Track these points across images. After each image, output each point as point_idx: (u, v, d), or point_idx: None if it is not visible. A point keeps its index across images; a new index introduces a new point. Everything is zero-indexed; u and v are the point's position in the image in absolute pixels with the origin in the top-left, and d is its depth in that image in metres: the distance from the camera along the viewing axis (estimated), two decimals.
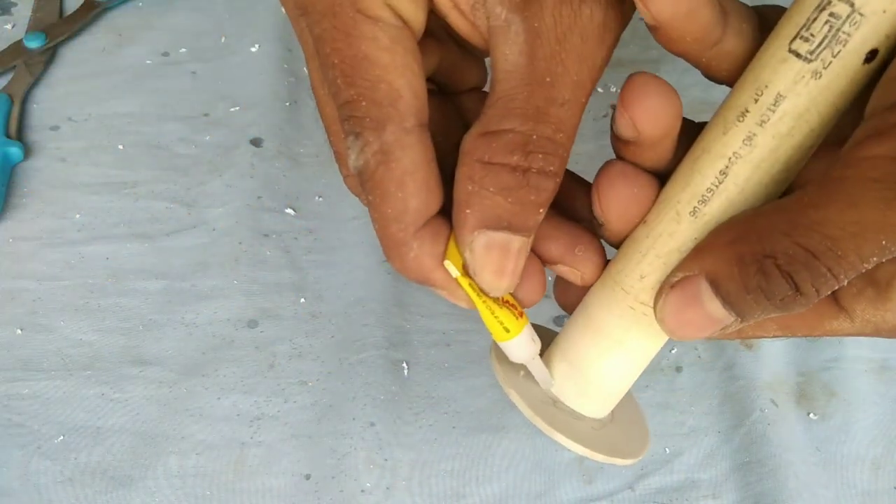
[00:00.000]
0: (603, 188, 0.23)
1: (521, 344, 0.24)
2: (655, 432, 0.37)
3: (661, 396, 0.38)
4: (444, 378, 0.37)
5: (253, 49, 0.47)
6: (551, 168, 0.21)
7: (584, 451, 0.25)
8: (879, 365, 0.39)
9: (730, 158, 0.21)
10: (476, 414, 0.37)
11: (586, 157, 0.44)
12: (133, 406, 0.36)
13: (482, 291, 0.23)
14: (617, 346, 0.24)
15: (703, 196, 0.22)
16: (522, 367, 0.25)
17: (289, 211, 0.42)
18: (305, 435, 0.35)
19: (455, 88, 0.27)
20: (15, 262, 0.39)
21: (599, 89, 0.47)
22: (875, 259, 0.19)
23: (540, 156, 0.21)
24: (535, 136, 0.21)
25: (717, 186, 0.22)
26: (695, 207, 0.22)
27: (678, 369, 0.39)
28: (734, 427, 0.37)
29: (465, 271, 0.22)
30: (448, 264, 0.22)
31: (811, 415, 0.38)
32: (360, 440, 0.35)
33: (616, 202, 0.23)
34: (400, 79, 0.21)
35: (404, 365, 0.38)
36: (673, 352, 0.39)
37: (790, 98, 0.20)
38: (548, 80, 0.21)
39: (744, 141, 0.21)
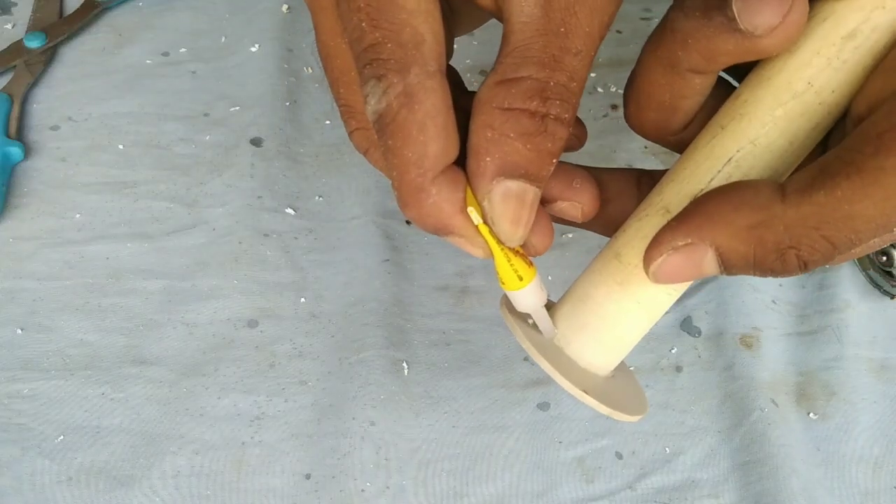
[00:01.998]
0: None
1: (531, 292, 0.25)
2: (655, 432, 0.37)
3: (661, 396, 0.38)
4: (444, 378, 0.37)
5: (253, 49, 0.47)
6: (566, 115, 0.22)
7: (592, 402, 0.25)
8: (879, 365, 0.39)
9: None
10: (476, 414, 0.37)
11: (586, 157, 0.44)
12: (133, 406, 0.36)
13: (498, 240, 0.24)
14: (625, 302, 0.25)
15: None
16: (530, 318, 0.26)
17: (289, 211, 0.42)
18: (305, 435, 0.35)
19: None
20: (15, 262, 0.39)
21: (599, 89, 0.47)
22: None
23: (557, 102, 0.22)
24: (552, 83, 0.22)
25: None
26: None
27: (678, 369, 0.39)
28: (734, 427, 0.37)
29: (483, 220, 0.23)
30: (471, 211, 0.23)
31: (811, 415, 0.38)
32: (360, 440, 0.35)
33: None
34: (424, 24, 0.21)
35: (404, 365, 0.38)
36: (673, 351, 0.39)
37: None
38: (562, 30, 0.21)
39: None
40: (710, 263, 0.22)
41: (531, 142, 0.22)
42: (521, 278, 0.25)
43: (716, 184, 0.23)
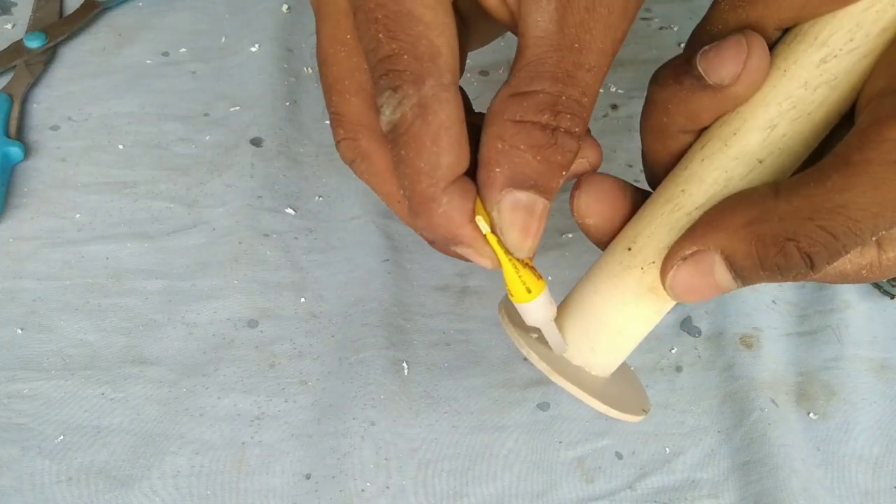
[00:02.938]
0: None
1: (540, 305, 0.25)
2: (655, 432, 0.37)
3: (661, 396, 0.38)
4: (444, 378, 0.37)
5: (253, 49, 0.47)
6: (577, 129, 0.23)
7: (602, 406, 0.25)
8: (879, 365, 0.39)
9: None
10: (476, 414, 0.37)
11: None
12: (133, 406, 0.36)
13: (507, 251, 0.24)
14: (628, 305, 0.25)
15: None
16: (534, 329, 0.26)
17: (289, 211, 0.42)
18: (305, 435, 0.35)
19: None
20: (15, 262, 0.39)
21: (600, 89, 0.47)
22: (884, 232, 0.21)
23: (568, 116, 0.22)
24: (564, 98, 0.22)
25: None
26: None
27: (678, 369, 0.39)
28: (734, 427, 0.37)
29: (491, 230, 0.23)
30: (479, 220, 0.23)
31: (811, 415, 0.38)
32: (360, 440, 0.35)
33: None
34: (440, 37, 0.22)
35: (404, 365, 0.38)
36: (673, 351, 0.39)
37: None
38: (576, 46, 0.22)
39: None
40: (720, 271, 0.22)
41: (541, 154, 0.22)
42: (529, 290, 0.25)
43: None
